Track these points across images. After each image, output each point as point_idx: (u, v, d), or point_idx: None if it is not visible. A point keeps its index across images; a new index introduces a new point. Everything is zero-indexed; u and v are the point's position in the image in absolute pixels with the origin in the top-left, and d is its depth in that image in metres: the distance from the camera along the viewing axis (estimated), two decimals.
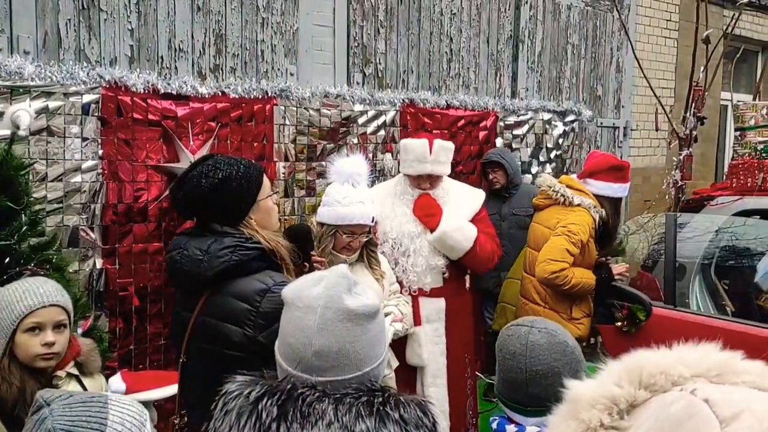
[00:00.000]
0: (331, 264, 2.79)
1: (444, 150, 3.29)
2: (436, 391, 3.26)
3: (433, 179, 3.29)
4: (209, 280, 1.93)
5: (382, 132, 4.02)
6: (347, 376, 1.27)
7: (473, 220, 3.31)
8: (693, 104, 4.97)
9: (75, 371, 2.02)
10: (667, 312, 3.42)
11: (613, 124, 5.96)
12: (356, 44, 4.11)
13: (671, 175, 4.80)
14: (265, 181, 2.14)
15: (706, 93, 5.19)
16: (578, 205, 3.39)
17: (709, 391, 0.73)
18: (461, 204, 3.33)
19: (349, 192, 2.74)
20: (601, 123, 5.77)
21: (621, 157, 6.01)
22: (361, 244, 2.82)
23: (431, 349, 3.26)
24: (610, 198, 3.47)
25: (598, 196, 3.45)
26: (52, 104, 2.86)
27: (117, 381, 2.81)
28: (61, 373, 1.96)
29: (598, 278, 3.40)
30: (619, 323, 3.50)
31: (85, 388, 1.99)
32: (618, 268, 3.57)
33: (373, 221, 2.81)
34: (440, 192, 3.30)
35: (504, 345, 1.64)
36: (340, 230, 2.74)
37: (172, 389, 2.93)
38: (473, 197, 3.42)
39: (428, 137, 3.34)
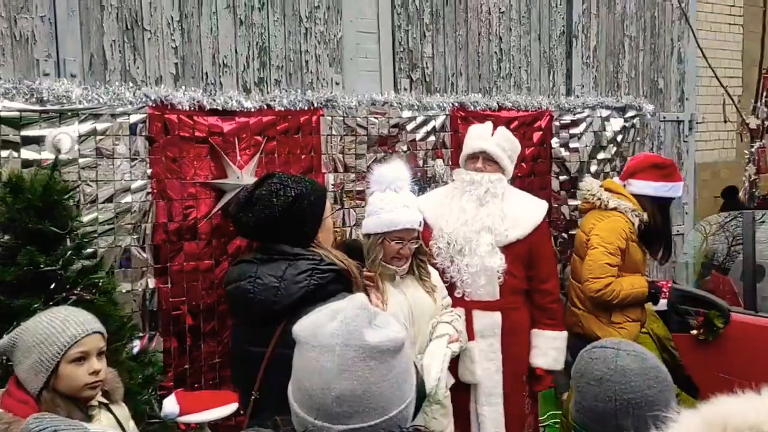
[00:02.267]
0: (382, 277, 2.70)
1: (507, 138, 3.22)
2: (490, 410, 3.09)
3: (487, 163, 3.14)
4: (286, 309, 1.83)
5: (431, 138, 3.90)
6: (374, 421, 1.13)
7: (533, 233, 3.16)
8: (764, 93, 4.67)
9: (104, 400, 1.98)
10: (747, 318, 3.17)
11: (677, 117, 5.66)
12: (402, 49, 4.01)
13: (747, 169, 4.51)
14: (328, 198, 2.12)
15: None
16: (614, 208, 3.35)
17: None
18: (521, 216, 3.16)
19: (392, 198, 2.65)
20: (664, 117, 5.49)
21: (687, 152, 5.72)
22: (411, 251, 2.71)
23: (485, 366, 3.09)
24: (653, 198, 3.38)
25: (639, 196, 3.38)
26: (100, 126, 2.87)
27: (170, 403, 2.78)
28: (94, 402, 1.93)
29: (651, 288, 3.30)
30: (695, 331, 3.28)
31: (116, 417, 1.96)
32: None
33: (420, 225, 2.70)
34: (499, 187, 3.14)
35: (587, 369, 1.46)
36: (388, 238, 2.64)
37: (227, 409, 2.89)
38: (536, 207, 3.25)
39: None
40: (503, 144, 3.19)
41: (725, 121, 5.21)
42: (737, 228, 3.65)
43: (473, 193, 3.12)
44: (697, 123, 5.89)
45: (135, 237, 2.99)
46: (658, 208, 3.40)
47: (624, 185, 3.48)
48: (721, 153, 6.30)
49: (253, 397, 1.93)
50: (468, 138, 3.28)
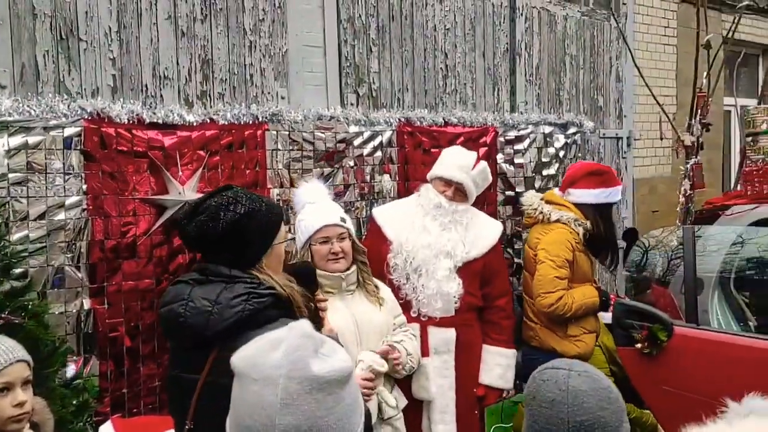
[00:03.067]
0: (327, 286, 2.63)
1: (485, 177, 3.25)
2: (444, 428, 3.06)
3: (457, 194, 3.15)
4: (219, 335, 1.72)
5: (378, 153, 3.88)
6: None
7: (489, 252, 3.21)
8: (698, 111, 4.83)
9: None
10: (689, 331, 3.24)
11: (616, 134, 5.82)
12: (348, 64, 3.99)
13: (682, 184, 4.65)
14: (283, 225, 1.99)
15: (710, 99, 5.06)
16: (557, 220, 3.37)
17: None
18: (479, 236, 3.20)
19: (308, 209, 2.67)
20: (604, 134, 5.64)
21: (626, 168, 5.88)
22: (346, 250, 2.64)
23: (440, 383, 3.06)
24: (594, 205, 3.41)
25: (580, 205, 3.41)
26: (32, 139, 2.73)
27: (107, 430, 2.65)
28: None
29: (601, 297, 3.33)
30: (640, 345, 3.33)
31: None
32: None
33: (344, 222, 2.66)
34: (464, 217, 3.17)
35: (539, 392, 1.41)
36: (313, 242, 2.60)
37: None
38: (492, 228, 3.31)
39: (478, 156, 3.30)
40: (479, 181, 3.21)
41: (662, 138, 5.36)
42: (675, 242, 3.74)
43: (437, 219, 3.12)
44: (635, 140, 6.07)
45: (69, 256, 2.85)
46: (600, 214, 3.42)
47: (564, 196, 3.51)
48: (658, 169, 6.50)
49: (187, 428, 1.82)
50: (448, 161, 3.23)
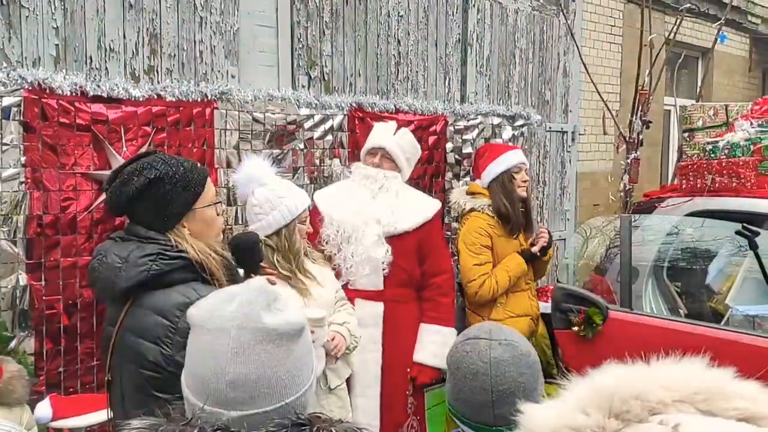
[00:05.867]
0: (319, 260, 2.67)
1: (407, 140, 3.29)
2: (364, 402, 3.07)
3: (384, 160, 3.20)
4: (125, 291, 1.78)
5: (329, 137, 3.88)
6: (268, 408, 1.09)
7: (423, 228, 3.22)
8: (639, 108, 5.00)
9: None
10: (623, 315, 3.38)
11: (562, 128, 5.96)
12: (301, 46, 3.96)
13: (622, 179, 4.81)
14: (209, 188, 1.97)
15: (651, 97, 5.24)
16: (471, 209, 3.50)
17: (696, 428, 0.61)
18: (412, 210, 3.22)
19: (276, 189, 2.63)
20: (550, 127, 5.76)
21: (570, 162, 6.03)
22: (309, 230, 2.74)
23: (364, 357, 3.04)
24: (495, 181, 3.51)
25: (489, 187, 3.52)
26: None
27: (44, 407, 2.59)
28: None
29: (531, 254, 3.44)
30: (576, 328, 3.45)
31: None
32: (539, 239, 3.50)
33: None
34: (393, 184, 3.20)
35: (462, 363, 1.47)
36: (300, 220, 2.63)
37: (105, 414, 2.72)
38: (428, 204, 3.33)
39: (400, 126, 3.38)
40: (402, 144, 3.26)
41: (605, 134, 5.53)
42: (613, 232, 3.88)
43: (368, 187, 3.17)
44: (579, 134, 6.22)
45: (5, 230, 2.76)
46: (499, 187, 3.51)
47: (480, 184, 3.62)
48: (600, 164, 6.69)
49: (107, 379, 1.86)
50: (370, 135, 3.34)
